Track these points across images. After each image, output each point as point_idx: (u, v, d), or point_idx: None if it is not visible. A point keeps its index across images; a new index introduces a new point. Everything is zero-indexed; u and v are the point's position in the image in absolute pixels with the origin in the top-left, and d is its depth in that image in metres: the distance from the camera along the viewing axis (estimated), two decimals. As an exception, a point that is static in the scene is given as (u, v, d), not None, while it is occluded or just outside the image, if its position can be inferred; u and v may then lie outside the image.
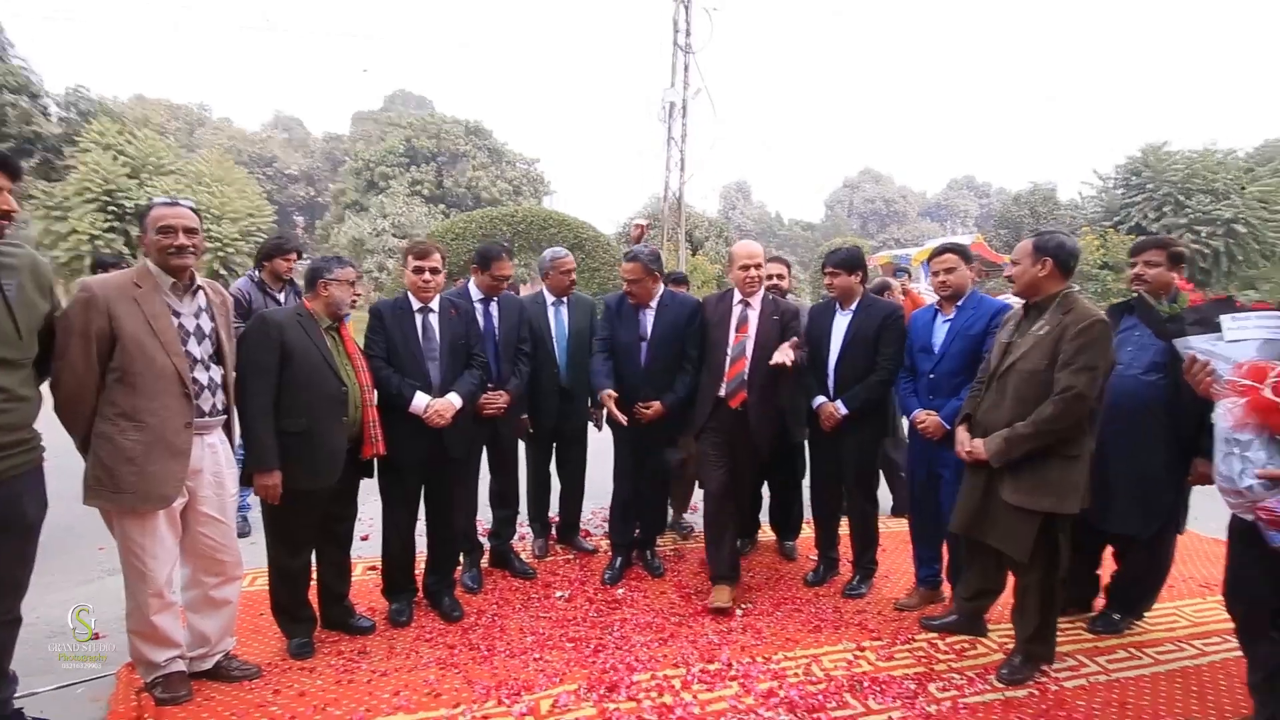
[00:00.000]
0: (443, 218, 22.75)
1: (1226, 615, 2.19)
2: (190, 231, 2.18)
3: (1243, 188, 20.90)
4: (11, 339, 1.87)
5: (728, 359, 3.15)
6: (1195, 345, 2.16)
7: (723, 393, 3.14)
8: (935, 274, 3.05)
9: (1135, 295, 2.78)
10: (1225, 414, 1.94)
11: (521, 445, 3.66)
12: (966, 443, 2.54)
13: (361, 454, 2.66)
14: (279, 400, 2.43)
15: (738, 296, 3.20)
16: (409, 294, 2.90)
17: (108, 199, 16.02)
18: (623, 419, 3.16)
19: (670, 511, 4.02)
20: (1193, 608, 3.16)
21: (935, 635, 2.85)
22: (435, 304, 2.92)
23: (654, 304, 3.31)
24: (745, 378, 3.14)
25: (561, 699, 2.30)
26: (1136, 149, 22.42)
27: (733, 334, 3.17)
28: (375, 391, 2.69)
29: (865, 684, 2.44)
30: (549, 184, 35.34)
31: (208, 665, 2.37)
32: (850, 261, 3.20)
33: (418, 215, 22.59)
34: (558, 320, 3.57)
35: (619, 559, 3.45)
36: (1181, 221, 20.81)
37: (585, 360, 3.45)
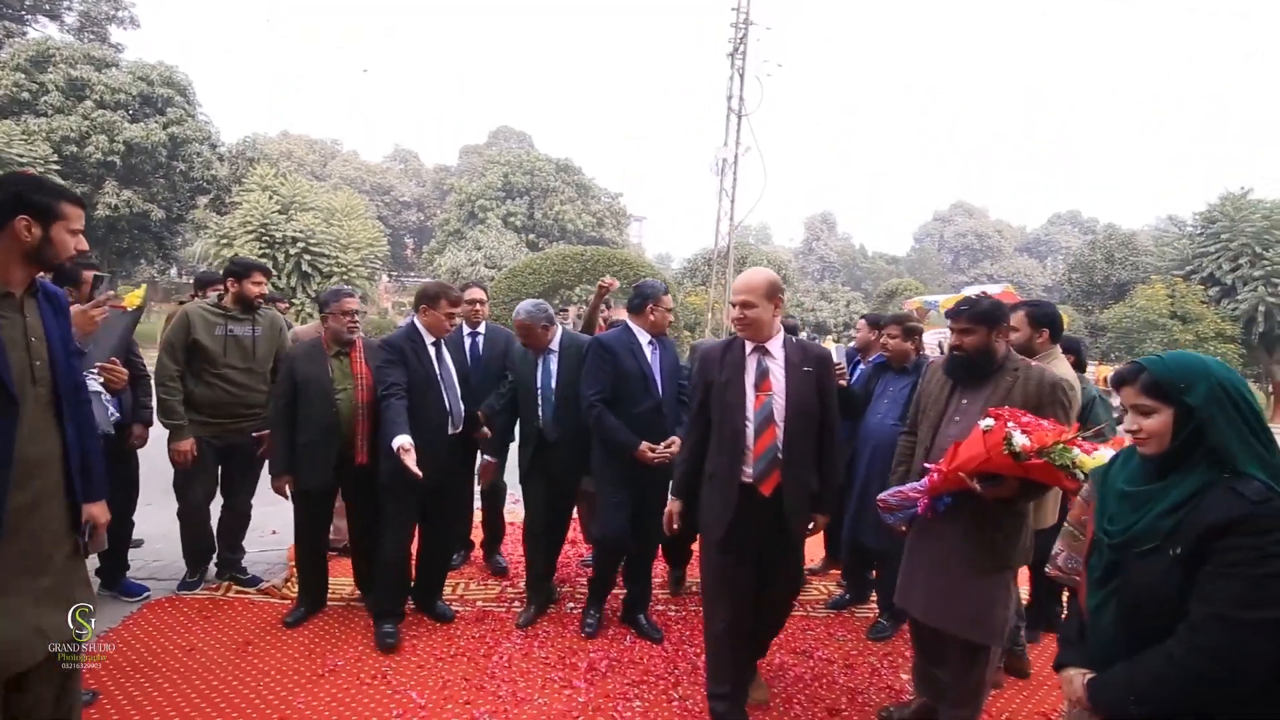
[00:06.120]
0: (528, 250, 25.55)
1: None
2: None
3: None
4: (252, 358, 3.62)
5: (749, 429, 2.39)
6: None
7: (749, 476, 2.38)
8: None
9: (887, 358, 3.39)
10: None
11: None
12: None
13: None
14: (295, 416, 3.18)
15: (750, 345, 2.46)
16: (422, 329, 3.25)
17: (263, 230, 19.67)
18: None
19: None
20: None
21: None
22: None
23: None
24: (778, 453, 2.38)
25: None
26: (1216, 196, 21.77)
27: (751, 394, 2.41)
28: (371, 408, 3.15)
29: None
30: (630, 216, 38.07)
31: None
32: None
33: (507, 248, 25.49)
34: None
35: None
36: (1257, 274, 20.09)
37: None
